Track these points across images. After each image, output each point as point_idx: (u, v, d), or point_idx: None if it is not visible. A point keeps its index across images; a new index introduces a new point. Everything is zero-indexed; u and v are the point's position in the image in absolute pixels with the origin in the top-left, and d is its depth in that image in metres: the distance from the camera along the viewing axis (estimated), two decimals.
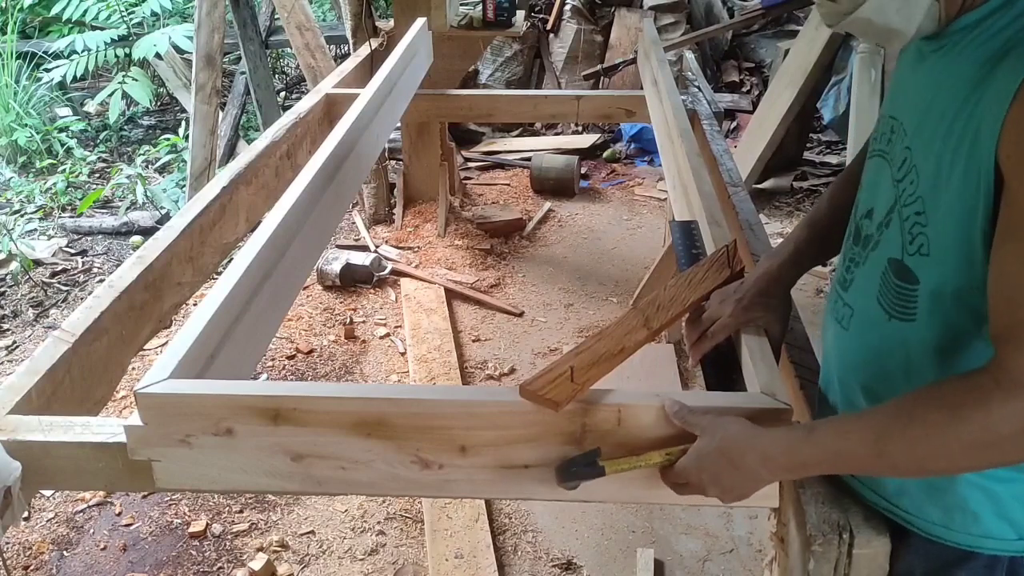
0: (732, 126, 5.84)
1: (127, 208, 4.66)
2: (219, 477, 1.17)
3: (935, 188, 0.97)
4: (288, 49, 5.41)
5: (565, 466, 1.11)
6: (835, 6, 1.02)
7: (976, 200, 0.92)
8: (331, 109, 2.77)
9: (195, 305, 2.30)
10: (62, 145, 5.46)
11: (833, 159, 5.35)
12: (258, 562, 2.40)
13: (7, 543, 2.45)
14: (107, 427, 1.21)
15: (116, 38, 4.99)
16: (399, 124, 4.06)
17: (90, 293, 1.90)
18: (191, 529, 2.54)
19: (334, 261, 3.88)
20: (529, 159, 5.22)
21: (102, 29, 5.03)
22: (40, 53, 5.79)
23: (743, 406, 1.10)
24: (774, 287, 1.30)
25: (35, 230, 4.51)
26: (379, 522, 2.58)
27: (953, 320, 0.99)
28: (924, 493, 1.05)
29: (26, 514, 2.31)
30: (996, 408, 0.87)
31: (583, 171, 5.29)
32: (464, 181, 5.07)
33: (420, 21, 3.15)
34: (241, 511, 2.62)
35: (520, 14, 4.07)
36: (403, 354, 3.43)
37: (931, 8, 0.96)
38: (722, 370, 1.31)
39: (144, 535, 2.54)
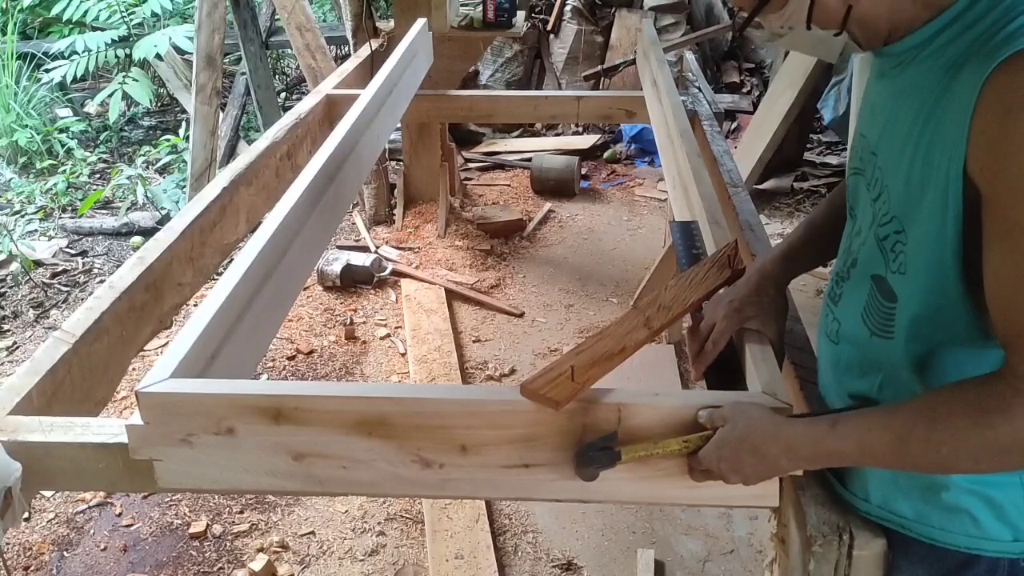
0: (732, 127, 5.84)
1: (127, 209, 4.66)
2: (220, 477, 1.17)
3: (908, 206, 0.97)
4: (288, 50, 5.41)
5: (582, 451, 1.10)
6: (762, 33, 1.05)
7: (944, 216, 0.92)
8: (331, 110, 2.77)
9: (195, 306, 2.30)
10: (62, 146, 5.46)
11: (833, 160, 5.35)
12: (258, 563, 2.40)
13: (7, 544, 2.45)
14: (108, 427, 1.21)
15: (116, 39, 4.98)
16: (399, 125, 4.06)
17: (90, 294, 1.90)
18: (191, 530, 2.54)
19: (334, 262, 3.89)
20: (529, 160, 5.22)
21: (102, 30, 5.02)
22: (40, 54, 5.79)
23: None
24: (766, 284, 1.28)
25: (35, 231, 4.51)
26: (379, 523, 2.58)
27: (928, 336, 0.99)
28: (921, 498, 1.05)
29: (26, 515, 2.31)
30: (1019, 415, 0.87)
31: (583, 172, 5.29)
32: (464, 182, 5.07)
33: (420, 22, 3.15)
34: (241, 512, 2.62)
35: (520, 15, 4.07)
36: (403, 355, 3.43)
37: (840, 42, 0.99)
38: (723, 371, 1.31)
39: (144, 536, 2.54)
